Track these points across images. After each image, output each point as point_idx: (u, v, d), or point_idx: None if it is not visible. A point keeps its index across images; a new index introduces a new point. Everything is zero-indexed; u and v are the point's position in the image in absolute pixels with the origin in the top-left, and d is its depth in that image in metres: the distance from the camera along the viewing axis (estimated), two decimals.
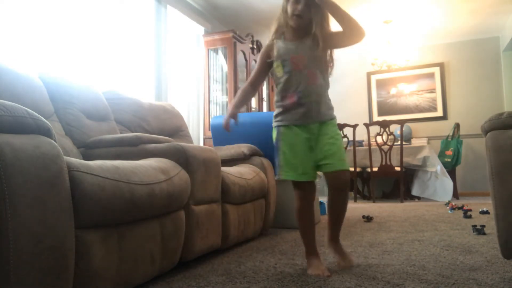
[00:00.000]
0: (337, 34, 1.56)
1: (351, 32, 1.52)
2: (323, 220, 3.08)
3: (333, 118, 1.63)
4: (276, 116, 1.63)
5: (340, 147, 1.58)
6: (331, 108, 1.63)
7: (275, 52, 1.61)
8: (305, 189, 1.62)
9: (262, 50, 1.68)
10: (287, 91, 1.58)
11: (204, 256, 1.76)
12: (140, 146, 1.77)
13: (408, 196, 5.00)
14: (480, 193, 5.31)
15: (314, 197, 1.68)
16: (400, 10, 4.63)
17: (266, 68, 1.67)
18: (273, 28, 1.66)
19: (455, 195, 4.94)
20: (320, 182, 5.78)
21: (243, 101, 1.71)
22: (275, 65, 1.61)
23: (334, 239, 1.67)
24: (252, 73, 1.71)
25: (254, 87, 1.70)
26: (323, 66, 1.61)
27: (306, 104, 1.55)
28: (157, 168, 1.41)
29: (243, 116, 2.81)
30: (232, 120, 1.63)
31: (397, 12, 4.67)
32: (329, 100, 1.64)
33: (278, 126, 1.62)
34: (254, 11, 4.54)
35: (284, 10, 1.59)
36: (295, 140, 1.57)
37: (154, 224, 1.38)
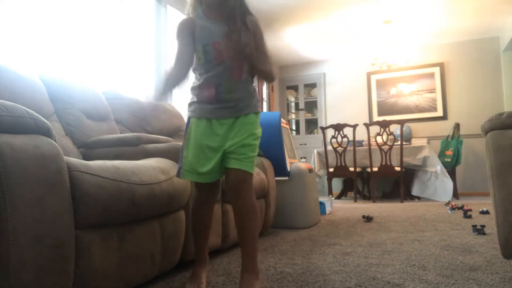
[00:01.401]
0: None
1: (262, 76, 1.46)
2: (323, 220, 3.08)
3: (249, 112, 1.36)
4: (190, 105, 1.40)
5: (247, 142, 1.33)
6: (251, 101, 1.39)
7: (196, 32, 1.35)
8: (207, 190, 1.41)
9: (181, 25, 1.38)
10: (206, 81, 1.35)
11: None
12: (140, 146, 1.77)
13: (408, 196, 5.00)
14: (480, 193, 5.31)
15: (215, 199, 1.49)
16: (400, 10, 4.63)
17: (191, 47, 1.36)
18: None
19: (455, 195, 4.94)
20: (320, 182, 5.79)
21: (172, 87, 1.36)
22: (196, 47, 1.35)
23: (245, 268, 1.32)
24: (177, 50, 1.38)
25: (183, 70, 1.37)
26: (246, 56, 1.36)
27: (224, 101, 1.34)
28: (157, 168, 1.41)
29: None
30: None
31: (397, 12, 4.67)
32: (254, 92, 1.42)
33: (189, 117, 1.40)
34: (254, 11, 4.51)
35: None
36: (203, 135, 1.34)
37: (154, 224, 1.38)
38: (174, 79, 1.35)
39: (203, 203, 1.43)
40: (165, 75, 1.37)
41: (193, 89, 1.39)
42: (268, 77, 1.45)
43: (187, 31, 1.36)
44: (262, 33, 1.43)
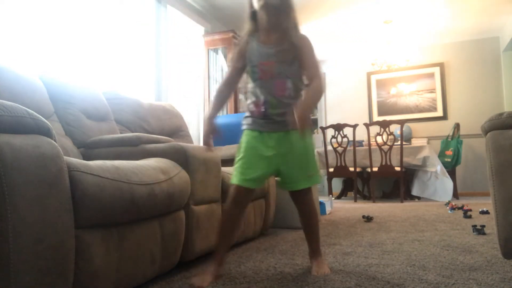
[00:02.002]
0: (302, 63, 1.51)
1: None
2: (323, 220, 3.08)
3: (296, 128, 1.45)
4: (245, 118, 1.55)
5: (306, 160, 1.52)
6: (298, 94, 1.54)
7: (248, 54, 1.51)
8: (246, 193, 1.50)
9: (239, 45, 1.58)
10: (255, 98, 1.50)
11: (204, 256, 1.76)
12: (140, 146, 1.77)
13: (408, 196, 5.00)
14: (480, 193, 5.31)
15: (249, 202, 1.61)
16: (400, 10, 4.63)
17: (242, 65, 1.54)
18: (247, 26, 1.57)
19: (455, 195, 4.94)
20: (320, 182, 5.79)
21: (220, 107, 1.59)
22: (247, 68, 1.53)
23: (314, 252, 1.62)
24: (228, 71, 1.61)
25: (230, 87, 1.59)
26: (296, 74, 1.51)
27: (271, 116, 1.47)
28: (157, 168, 1.41)
29: (242, 116, 2.80)
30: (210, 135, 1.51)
31: (397, 12, 4.67)
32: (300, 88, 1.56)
33: (243, 129, 1.54)
34: None
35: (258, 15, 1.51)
36: (254, 143, 1.48)
37: (154, 224, 1.38)
38: (220, 99, 1.57)
39: (238, 204, 1.49)
40: (207, 121, 1.52)
41: (248, 105, 1.54)
42: (317, 95, 1.50)
43: (238, 55, 1.54)
44: (311, 47, 1.52)
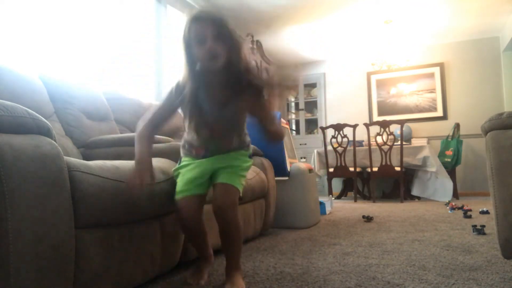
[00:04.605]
0: (253, 109, 1.30)
1: (269, 137, 1.33)
2: (323, 220, 3.08)
3: (239, 149, 1.40)
4: (182, 146, 1.43)
5: (235, 171, 1.36)
6: (242, 142, 1.41)
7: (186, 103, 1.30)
8: (194, 202, 1.34)
9: (174, 87, 1.32)
10: (197, 143, 1.36)
11: None
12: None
13: (408, 196, 5.00)
14: (480, 193, 5.31)
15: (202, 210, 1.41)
16: (400, 10, 4.63)
17: (175, 108, 1.35)
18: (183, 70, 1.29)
19: (455, 195, 4.94)
20: (320, 182, 5.79)
21: (149, 150, 1.31)
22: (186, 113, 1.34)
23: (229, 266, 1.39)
24: (154, 111, 1.35)
25: (155, 130, 1.36)
26: (244, 122, 1.37)
27: (214, 154, 1.37)
28: (157, 168, 1.41)
29: None
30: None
31: (397, 12, 4.67)
32: (245, 134, 1.43)
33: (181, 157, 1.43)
34: (254, 11, 4.54)
35: (196, 54, 1.24)
36: (194, 166, 1.36)
37: (154, 224, 1.38)
38: (147, 143, 1.31)
39: (190, 218, 1.33)
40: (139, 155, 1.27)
41: (184, 139, 1.41)
42: (276, 137, 1.35)
43: (176, 96, 1.30)
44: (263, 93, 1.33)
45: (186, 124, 1.35)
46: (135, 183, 1.17)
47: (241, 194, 1.37)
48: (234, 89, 1.27)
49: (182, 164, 1.39)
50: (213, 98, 1.29)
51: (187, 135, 1.39)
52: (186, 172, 1.36)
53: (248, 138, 1.44)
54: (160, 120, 1.35)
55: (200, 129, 1.32)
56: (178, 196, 1.33)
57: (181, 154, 1.43)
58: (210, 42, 1.19)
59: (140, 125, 1.33)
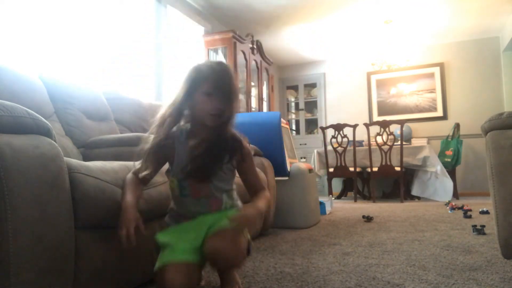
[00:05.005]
0: (245, 178, 1.28)
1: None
2: (323, 220, 3.08)
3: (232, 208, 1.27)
4: (169, 211, 1.29)
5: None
6: (234, 204, 1.28)
7: (173, 161, 1.21)
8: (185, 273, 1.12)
9: (155, 145, 1.19)
10: (183, 212, 1.24)
11: None
12: (140, 146, 1.76)
13: (408, 196, 5.00)
14: (480, 193, 5.31)
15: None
16: (400, 10, 4.63)
17: (159, 166, 1.25)
18: (167, 119, 1.19)
19: (455, 195, 4.94)
20: (320, 182, 5.79)
21: (138, 194, 1.18)
22: (170, 179, 1.24)
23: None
24: (141, 165, 1.21)
25: (144, 182, 1.23)
26: (232, 182, 1.27)
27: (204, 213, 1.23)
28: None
29: (242, 116, 2.81)
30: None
31: (397, 12, 4.67)
32: (237, 199, 1.31)
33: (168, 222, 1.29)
34: (254, 11, 4.54)
35: (197, 101, 1.17)
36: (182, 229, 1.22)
37: (154, 225, 1.37)
38: (136, 188, 1.18)
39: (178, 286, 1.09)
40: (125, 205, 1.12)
41: (171, 207, 1.28)
42: (267, 204, 1.27)
43: (160, 154, 1.21)
44: (251, 156, 1.28)
45: (173, 200, 1.26)
46: (122, 235, 1.05)
47: (250, 242, 1.24)
48: (219, 146, 1.21)
49: (167, 231, 1.23)
50: (196, 149, 1.19)
51: (174, 206, 1.27)
52: (173, 237, 1.19)
53: (240, 203, 1.30)
54: (147, 175, 1.21)
55: (186, 191, 1.20)
56: (162, 264, 1.12)
57: (167, 221, 1.28)
58: (220, 100, 1.15)
59: (130, 176, 1.21)
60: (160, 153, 1.20)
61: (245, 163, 1.26)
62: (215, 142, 1.20)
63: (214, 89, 1.15)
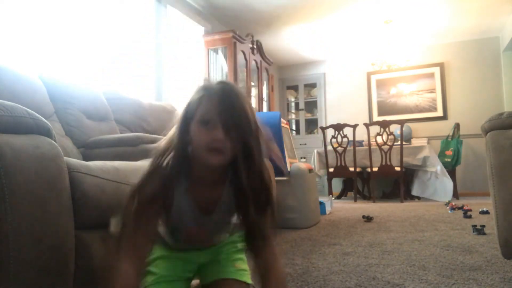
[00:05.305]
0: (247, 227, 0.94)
1: None
2: (323, 220, 3.08)
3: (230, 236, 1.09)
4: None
5: (232, 258, 1.05)
6: (232, 232, 1.08)
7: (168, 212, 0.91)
8: None
9: (148, 194, 0.87)
10: (175, 247, 1.04)
11: None
12: (140, 146, 1.77)
13: (408, 196, 5.00)
14: (480, 193, 5.31)
15: None
16: (400, 10, 4.63)
17: (156, 218, 0.91)
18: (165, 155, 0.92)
19: (455, 195, 4.94)
20: (320, 182, 5.79)
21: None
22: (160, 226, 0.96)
23: None
24: (129, 234, 0.88)
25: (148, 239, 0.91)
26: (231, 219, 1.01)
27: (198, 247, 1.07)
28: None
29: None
30: None
31: (397, 12, 4.67)
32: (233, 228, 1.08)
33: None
34: (254, 11, 4.54)
35: (193, 133, 0.87)
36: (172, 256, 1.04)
37: None
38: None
39: None
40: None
41: (162, 236, 1.02)
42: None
43: (155, 202, 0.88)
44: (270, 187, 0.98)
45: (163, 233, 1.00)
46: None
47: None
48: (232, 196, 0.93)
49: (153, 255, 1.02)
50: (200, 199, 0.93)
51: (161, 228, 0.98)
52: (160, 263, 1.02)
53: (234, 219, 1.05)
54: (142, 244, 0.90)
55: (179, 235, 1.00)
56: None
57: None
58: (220, 129, 0.83)
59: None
60: (155, 202, 0.88)
61: (261, 217, 0.91)
62: (228, 200, 0.92)
63: (212, 115, 0.84)
